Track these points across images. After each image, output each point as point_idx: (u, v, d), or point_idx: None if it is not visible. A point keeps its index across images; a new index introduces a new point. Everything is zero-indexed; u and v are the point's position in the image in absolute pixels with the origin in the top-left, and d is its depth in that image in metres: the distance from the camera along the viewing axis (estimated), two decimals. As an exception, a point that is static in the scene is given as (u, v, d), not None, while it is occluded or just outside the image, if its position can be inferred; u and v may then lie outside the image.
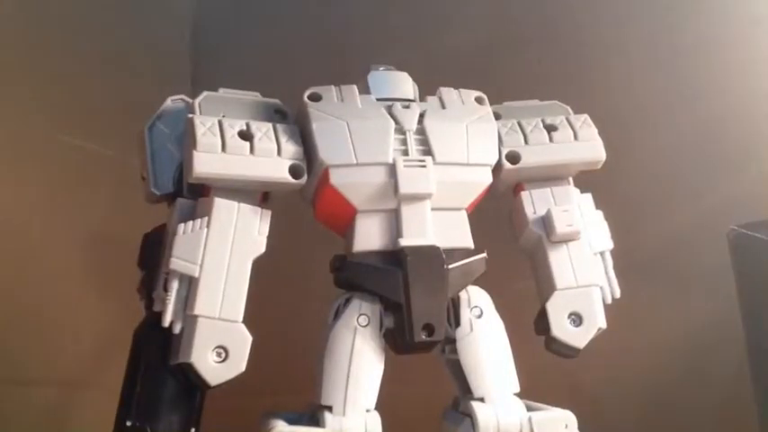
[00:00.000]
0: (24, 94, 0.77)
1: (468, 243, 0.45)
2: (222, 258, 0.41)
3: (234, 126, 0.42)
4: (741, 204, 0.80)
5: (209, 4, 1.11)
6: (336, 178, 0.43)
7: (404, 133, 0.44)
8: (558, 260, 0.46)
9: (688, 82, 0.88)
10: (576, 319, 0.45)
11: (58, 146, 0.80)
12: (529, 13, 0.94)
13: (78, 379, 0.79)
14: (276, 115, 0.46)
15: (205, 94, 0.45)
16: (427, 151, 0.44)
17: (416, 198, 0.43)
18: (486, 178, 0.46)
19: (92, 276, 0.80)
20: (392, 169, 0.43)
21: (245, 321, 0.41)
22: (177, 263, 0.40)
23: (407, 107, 0.46)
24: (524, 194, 0.48)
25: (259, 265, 0.42)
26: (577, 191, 0.49)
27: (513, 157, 0.47)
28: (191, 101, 0.45)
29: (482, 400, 0.42)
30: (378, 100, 0.46)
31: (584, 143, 0.48)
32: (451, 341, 0.43)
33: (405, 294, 0.41)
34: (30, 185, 0.77)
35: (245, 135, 0.42)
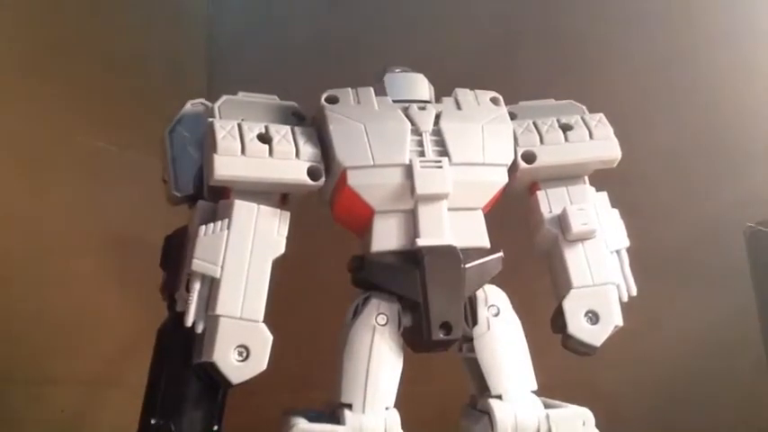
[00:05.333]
0: (43, 96, 0.78)
1: (485, 242, 0.45)
2: (243, 259, 0.42)
3: (253, 129, 0.43)
4: (757, 202, 0.79)
5: (223, 7, 1.12)
6: (354, 179, 0.43)
7: (420, 134, 0.45)
8: (574, 259, 0.46)
9: (704, 80, 0.88)
10: (593, 317, 0.45)
11: (80, 148, 0.81)
12: (543, 12, 0.94)
13: (102, 378, 0.80)
14: (294, 118, 0.47)
15: (224, 98, 0.46)
16: (444, 152, 0.44)
17: (433, 198, 0.44)
18: (502, 178, 0.46)
19: (115, 277, 0.81)
20: (409, 170, 0.43)
21: (265, 321, 0.41)
22: (199, 264, 0.41)
23: (423, 108, 0.46)
24: (540, 194, 0.48)
25: (279, 266, 0.43)
26: (593, 189, 0.49)
27: (529, 157, 0.47)
28: (210, 105, 0.46)
29: (500, 397, 0.42)
30: (394, 102, 0.46)
31: (599, 142, 0.48)
32: (469, 339, 0.43)
33: (422, 293, 0.42)
34: (51, 187, 0.78)
35: (264, 138, 0.43)
